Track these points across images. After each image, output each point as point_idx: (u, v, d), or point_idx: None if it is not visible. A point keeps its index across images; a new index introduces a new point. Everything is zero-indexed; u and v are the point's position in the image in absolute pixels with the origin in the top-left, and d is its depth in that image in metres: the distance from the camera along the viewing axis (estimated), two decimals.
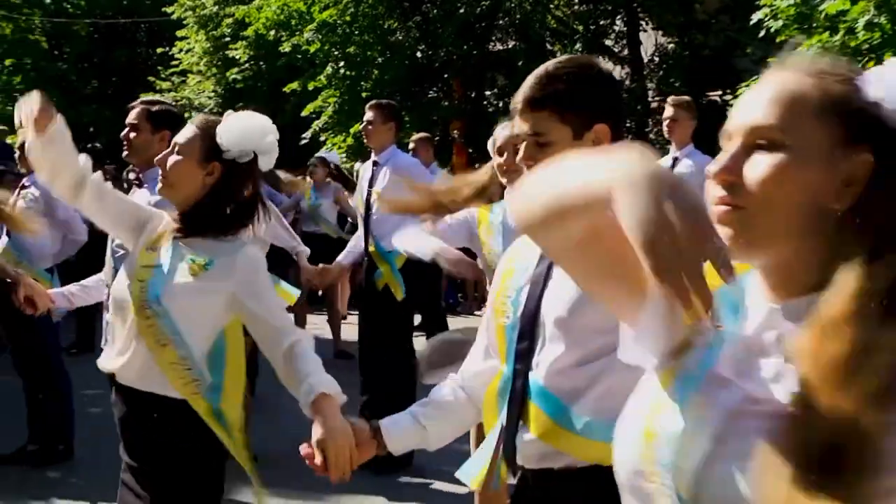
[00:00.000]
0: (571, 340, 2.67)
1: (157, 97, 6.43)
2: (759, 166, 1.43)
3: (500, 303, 2.86)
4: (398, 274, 7.49)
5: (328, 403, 3.05)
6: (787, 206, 1.42)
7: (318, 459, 2.73)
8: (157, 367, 3.55)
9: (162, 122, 5.13)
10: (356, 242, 8.53)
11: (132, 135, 5.13)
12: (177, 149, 3.68)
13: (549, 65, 2.70)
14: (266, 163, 3.79)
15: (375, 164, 7.82)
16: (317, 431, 2.74)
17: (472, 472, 3.01)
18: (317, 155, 14.05)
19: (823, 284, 1.39)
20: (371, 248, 7.79)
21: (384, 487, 7.24)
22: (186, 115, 19.03)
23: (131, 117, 5.08)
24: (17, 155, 8.54)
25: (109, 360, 3.77)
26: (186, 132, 3.72)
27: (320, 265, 7.77)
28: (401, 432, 2.90)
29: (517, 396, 2.78)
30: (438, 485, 7.07)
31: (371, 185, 7.76)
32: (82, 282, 5.73)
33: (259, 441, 8.27)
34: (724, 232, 1.45)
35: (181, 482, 3.61)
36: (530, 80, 2.67)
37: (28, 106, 3.60)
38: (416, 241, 5.54)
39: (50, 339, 7.86)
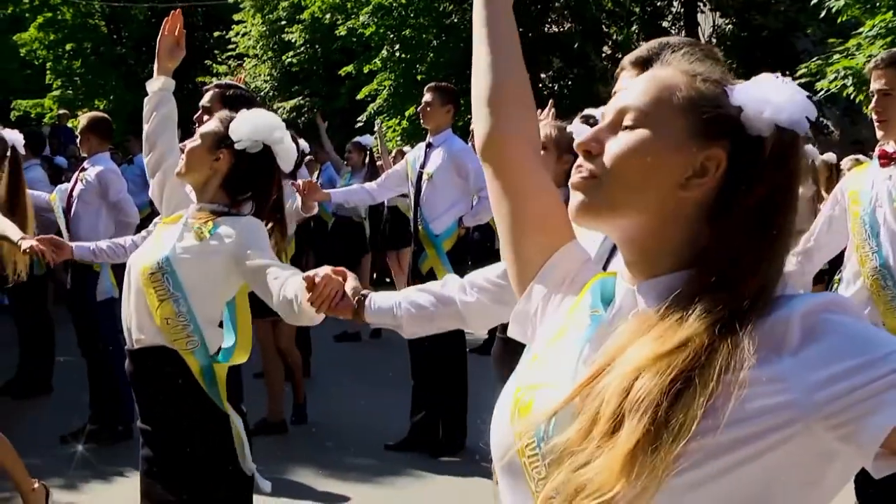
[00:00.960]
0: None
1: (215, 81, 6.49)
2: (618, 141, 1.54)
3: None
4: (445, 257, 7.46)
5: None
6: (635, 181, 1.52)
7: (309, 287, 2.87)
8: (155, 321, 3.70)
9: (235, 105, 5.21)
10: (356, 189, 8.83)
11: (205, 117, 5.21)
12: (196, 134, 3.89)
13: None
14: (284, 163, 3.96)
15: (429, 145, 7.79)
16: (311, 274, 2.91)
17: None
18: (352, 140, 14.11)
19: (679, 267, 1.53)
20: (419, 229, 7.75)
21: (439, 467, 7.29)
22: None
23: (206, 100, 5.16)
24: (78, 139, 8.59)
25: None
26: (209, 122, 3.97)
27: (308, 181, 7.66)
28: (378, 314, 2.94)
29: None
30: (489, 464, 7.09)
31: (423, 167, 7.76)
32: (114, 238, 5.79)
33: (313, 416, 8.39)
34: (575, 198, 1.58)
35: (189, 438, 3.67)
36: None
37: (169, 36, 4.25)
38: None
39: (109, 322, 7.92)
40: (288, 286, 3.29)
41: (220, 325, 3.84)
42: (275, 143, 3.85)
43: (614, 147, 1.54)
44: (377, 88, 23.67)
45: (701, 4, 24.62)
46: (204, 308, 3.70)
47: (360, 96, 24.02)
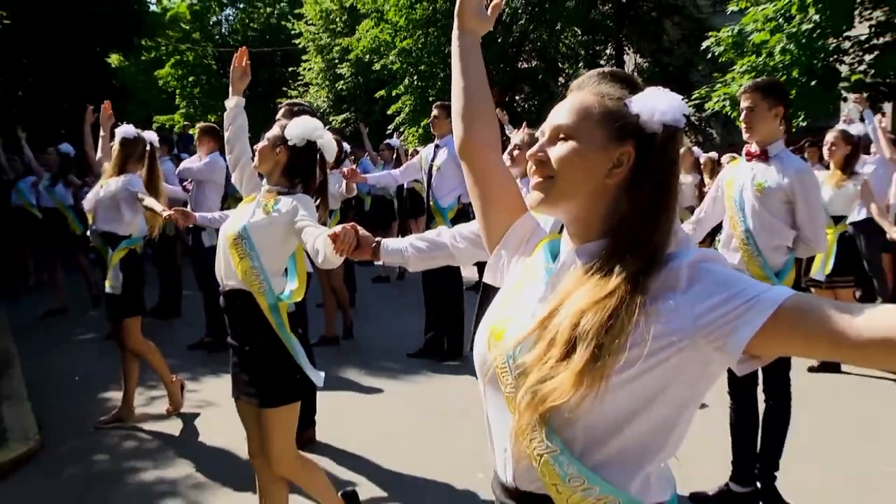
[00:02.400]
0: None
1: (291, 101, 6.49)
2: (557, 150, 1.56)
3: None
4: (449, 223, 7.41)
5: None
6: (575, 177, 1.54)
7: (333, 240, 2.82)
8: (238, 273, 3.68)
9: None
10: (384, 174, 9.05)
11: None
12: (263, 137, 3.84)
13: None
14: (327, 153, 3.90)
15: (437, 146, 7.72)
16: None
17: None
18: (384, 142, 14.15)
19: (604, 235, 1.55)
20: (430, 204, 7.73)
21: (443, 369, 7.35)
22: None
23: (280, 114, 5.13)
24: (196, 141, 8.59)
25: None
26: (272, 129, 3.88)
27: (351, 167, 7.84)
28: (390, 254, 2.90)
29: None
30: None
31: (433, 161, 7.71)
32: (225, 212, 5.81)
33: (357, 334, 8.39)
34: (534, 195, 1.59)
35: (261, 354, 3.67)
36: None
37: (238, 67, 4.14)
38: None
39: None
40: (318, 241, 3.26)
41: (285, 273, 3.81)
42: (317, 139, 3.82)
43: (556, 155, 1.55)
44: (401, 107, 23.82)
45: (627, 49, 24.51)
46: (270, 263, 3.68)
47: (389, 112, 24.21)
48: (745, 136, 4.47)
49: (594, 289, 1.46)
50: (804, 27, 13.26)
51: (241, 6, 39.74)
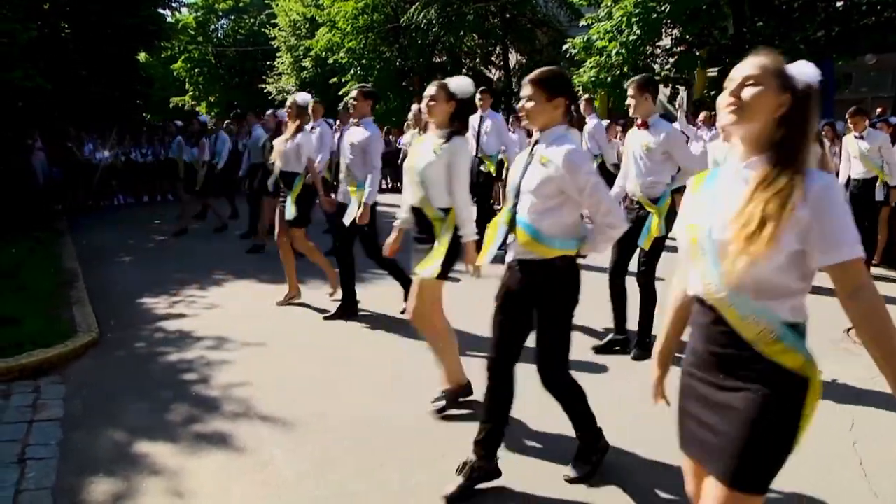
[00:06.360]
0: (535, 199, 2.74)
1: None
2: (747, 91, 1.62)
3: (510, 180, 2.91)
4: (496, 165, 7.57)
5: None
6: (756, 110, 1.61)
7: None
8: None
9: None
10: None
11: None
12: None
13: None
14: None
15: (481, 118, 7.30)
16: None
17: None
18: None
19: (766, 151, 1.62)
20: (479, 156, 7.38)
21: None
22: (284, 96, 19.95)
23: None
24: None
25: None
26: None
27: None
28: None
29: (512, 222, 2.83)
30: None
31: (479, 126, 7.35)
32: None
33: None
34: (729, 118, 1.64)
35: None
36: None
37: None
38: None
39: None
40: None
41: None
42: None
43: (747, 94, 1.61)
44: (349, 90, 23.13)
45: (510, 50, 24.47)
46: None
47: (340, 93, 23.65)
48: (631, 112, 4.61)
49: (771, 186, 1.54)
50: (631, 38, 14.06)
51: (233, 17, 38.77)
